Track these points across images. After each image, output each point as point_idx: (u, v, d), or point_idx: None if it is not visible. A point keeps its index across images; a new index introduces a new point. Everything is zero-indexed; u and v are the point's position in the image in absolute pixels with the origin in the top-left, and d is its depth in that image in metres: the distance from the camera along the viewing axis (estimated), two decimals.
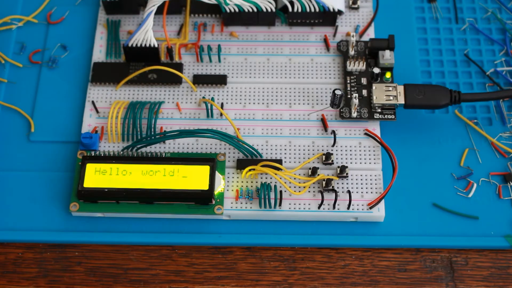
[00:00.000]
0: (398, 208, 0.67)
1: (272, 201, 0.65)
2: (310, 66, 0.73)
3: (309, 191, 0.67)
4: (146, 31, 0.71)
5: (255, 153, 0.68)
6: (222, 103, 0.71)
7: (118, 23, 0.76)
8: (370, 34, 0.75)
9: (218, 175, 0.66)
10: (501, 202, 0.67)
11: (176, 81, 0.72)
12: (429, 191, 0.68)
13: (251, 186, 0.67)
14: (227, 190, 0.67)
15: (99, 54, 0.74)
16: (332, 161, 0.68)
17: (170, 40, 0.74)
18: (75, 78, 0.74)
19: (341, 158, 0.68)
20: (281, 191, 0.66)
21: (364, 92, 0.70)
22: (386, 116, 0.69)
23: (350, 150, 0.69)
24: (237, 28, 0.75)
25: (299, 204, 0.66)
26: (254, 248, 0.67)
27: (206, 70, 0.73)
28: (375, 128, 0.69)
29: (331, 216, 0.66)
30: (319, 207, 0.66)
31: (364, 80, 0.71)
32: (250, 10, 0.73)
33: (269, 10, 0.73)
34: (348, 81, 0.71)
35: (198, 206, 0.65)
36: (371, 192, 0.67)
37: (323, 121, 0.70)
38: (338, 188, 0.67)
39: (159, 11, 0.73)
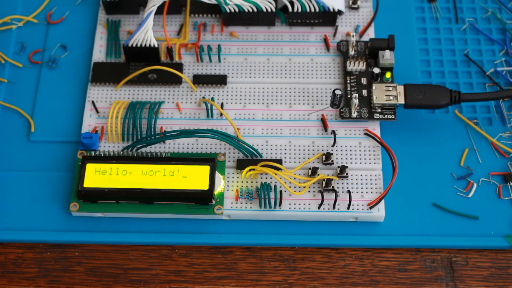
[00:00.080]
0: (398, 208, 0.67)
1: (272, 201, 0.65)
2: (310, 66, 0.73)
3: (309, 191, 0.67)
4: (146, 31, 0.71)
5: (255, 153, 0.68)
6: (222, 103, 0.71)
7: (118, 23, 0.76)
8: (370, 34, 0.75)
9: (218, 175, 0.66)
10: (501, 202, 0.67)
11: (176, 81, 0.72)
12: (429, 191, 0.68)
13: (251, 186, 0.67)
14: (227, 190, 0.67)
15: (99, 54, 0.74)
16: (332, 161, 0.68)
17: (170, 40, 0.74)
18: (75, 78, 0.74)
19: (341, 158, 0.68)
20: (281, 191, 0.66)
21: (364, 92, 0.70)
22: (386, 116, 0.69)
23: (350, 150, 0.69)
24: (237, 28, 0.75)
25: (299, 204, 0.66)
26: (254, 248, 0.67)
27: (206, 70, 0.73)
28: (375, 128, 0.69)
29: (331, 216, 0.66)
30: (319, 207, 0.66)
31: (364, 80, 0.71)
32: (250, 10, 0.73)
33: (269, 10, 0.73)
34: (348, 81, 0.71)
35: (198, 206, 0.65)
36: (371, 192, 0.67)
37: (323, 121, 0.70)
38: (338, 188, 0.67)
39: (159, 11, 0.73)
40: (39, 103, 0.72)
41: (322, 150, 0.69)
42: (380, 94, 0.68)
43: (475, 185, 0.68)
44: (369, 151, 0.68)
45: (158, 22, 0.75)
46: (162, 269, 0.66)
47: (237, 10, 0.73)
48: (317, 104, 0.71)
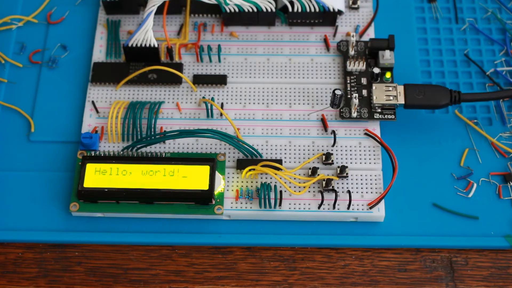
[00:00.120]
0: (398, 208, 0.67)
1: (272, 201, 0.65)
2: (310, 66, 0.73)
3: (309, 191, 0.67)
4: (146, 31, 0.71)
5: (255, 153, 0.68)
6: (222, 103, 0.71)
7: (118, 23, 0.76)
8: (370, 34, 0.75)
9: (218, 175, 0.66)
10: (501, 202, 0.67)
11: (176, 81, 0.72)
12: (429, 191, 0.68)
13: (251, 186, 0.67)
14: (227, 190, 0.67)
15: (99, 54, 0.74)
16: (332, 161, 0.68)
17: (170, 40, 0.74)
18: (75, 78, 0.74)
19: (341, 158, 0.68)
20: (281, 191, 0.66)
21: (364, 92, 0.70)
22: (386, 116, 0.69)
23: (350, 150, 0.69)
24: (237, 28, 0.75)
25: (299, 204, 0.66)
26: (254, 248, 0.67)
27: (206, 70, 0.73)
28: (375, 128, 0.69)
29: (331, 216, 0.66)
30: (319, 207, 0.66)
31: (364, 80, 0.71)
32: (250, 10, 0.73)
33: (269, 10, 0.73)
34: (348, 81, 0.71)
35: (198, 206, 0.65)
36: (371, 192, 0.67)
37: (323, 121, 0.70)
38: (338, 188, 0.67)
39: (159, 11, 0.73)
40: (39, 103, 0.72)
41: (322, 150, 0.69)
42: (380, 94, 0.68)
43: (475, 185, 0.68)
44: (369, 151, 0.68)
45: (158, 22, 0.75)
46: (162, 269, 0.66)
47: (237, 10, 0.73)
48: (317, 104, 0.71)
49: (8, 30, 0.77)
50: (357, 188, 0.67)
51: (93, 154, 0.67)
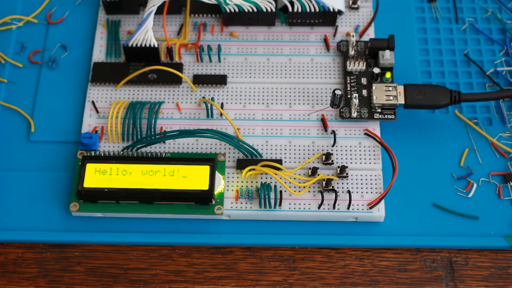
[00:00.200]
0: (398, 208, 0.67)
1: (272, 201, 0.65)
2: (310, 66, 0.73)
3: (309, 191, 0.67)
4: (146, 31, 0.71)
5: (255, 153, 0.68)
6: (222, 103, 0.71)
7: (118, 23, 0.76)
8: (370, 34, 0.75)
9: (218, 175, 0.66)
10: (501, 202, 0.67)
11: (176, 81, 0.72)
12: (429, 191, 0.68)
13: (251, 186, 0.67)
14: (227, 190, 0.67)
15: (99, 54, 0.74)
16: (332, 161, 0.68)
17: (170, 40, 0.74)
18: (75, 78, 0.74)
19: (341, 158, 0.68)
20: (281, 191, 0.66)
21: (364, 92, 0.70)
22: (386, 116, 0.69)
23: (350, 150, 0.69)
24: (237, 28, 0.75)
25: (299, 204, 0.66)
26: (254, 248, 0.67)
27: (206, 70, 0.73)
28: (375, 128, 0.69)
29: (331, 216, 0.66)
30: (319, 207, 0.66)
31: (364, 80, 0.71)
32: (250, 10, 0.73)
33: (269, 10, 0.73)
34: (348, 81, 0.71)
35: (198, 206, 0.65)
36: (371, 192, 0.67)
37: (323, 121, 0.70)
38: (338, 188, 0.67)
39: (159, 11, 0.73)
40: (39, 103, 0.72)
41: (322, 150, 0.69)
42: (380, 94, 0.68)
43: (475, 185, 0.68)
44: (369, 151, 0.68)
45: (158, 22, 0.75)
46: (162, 269, 0.66)
47: (237, 10, 0.73)
48: (317, 104, 0.71)
49: (8, 30, 0.77)
50: (357, 188, 0.67)
51: (93, 154, 0.67)
